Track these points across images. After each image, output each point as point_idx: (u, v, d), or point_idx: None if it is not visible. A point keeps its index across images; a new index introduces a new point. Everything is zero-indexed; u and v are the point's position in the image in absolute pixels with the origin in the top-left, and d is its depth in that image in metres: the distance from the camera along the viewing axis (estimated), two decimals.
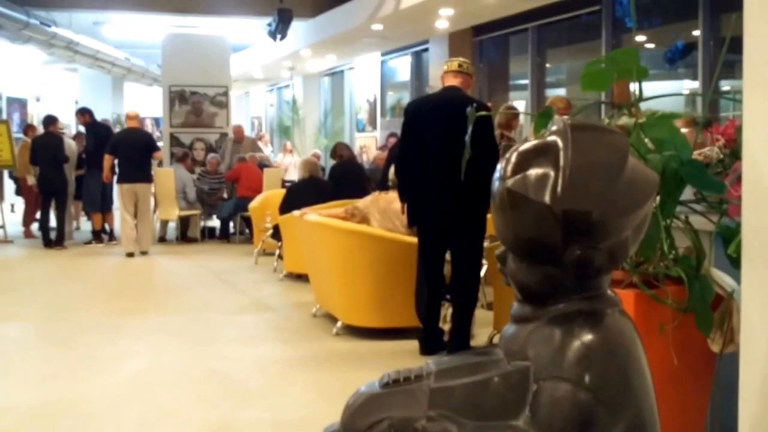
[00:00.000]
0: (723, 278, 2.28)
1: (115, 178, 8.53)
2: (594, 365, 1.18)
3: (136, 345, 4.69)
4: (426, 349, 4.17)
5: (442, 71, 4.30)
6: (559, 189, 1.19)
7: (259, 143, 13.58)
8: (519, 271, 1.28)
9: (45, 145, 8.91)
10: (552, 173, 1.21)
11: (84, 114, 9.37)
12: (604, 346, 1.20)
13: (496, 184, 1.27)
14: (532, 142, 1.29)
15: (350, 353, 4.39)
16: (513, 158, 1.26)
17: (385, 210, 4.87)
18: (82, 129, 9.98)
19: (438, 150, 3.95)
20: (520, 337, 1.27)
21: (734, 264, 2.03)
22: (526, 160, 1.25)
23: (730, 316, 2.18)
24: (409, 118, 4.24)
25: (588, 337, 1.20)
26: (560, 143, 1.23)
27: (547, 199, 1.19)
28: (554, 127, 1.29)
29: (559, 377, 1.18)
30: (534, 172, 1.22)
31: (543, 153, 1.24)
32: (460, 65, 4.21)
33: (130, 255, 8.15)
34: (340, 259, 4.70)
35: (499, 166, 1.28)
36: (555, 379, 1.19)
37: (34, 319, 5.44)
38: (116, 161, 8.33)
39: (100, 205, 9.09)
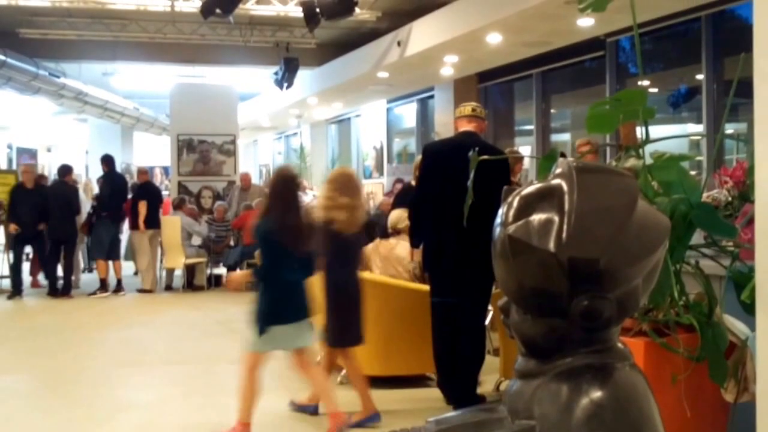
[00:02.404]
0: (736, 325, 2.26)
1: (127, 224, 9.25)
2: (604, 424, 1.11)
3: (138, 396, 4.64)
4: (452, 400, 4.05)
5: (455, 115, 4.32)
6: (564, 235, 1.12)
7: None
8: (523, 324, 1.21)
9: (58, 194, 8.99)
10: (556, 218, 1.14)
11: (103, 162, 9.47)
12: (615, 404, 1.13)
13: (497, 231, 1.20)
14: (535, 186, 1.21)
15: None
16: (515, 203, 1.19)
17: (386, 257, 4.82)
18: (92, 177, 10.10)
19: (455, 195, 3.91)
20: (525, 394, 1.19)
21: (748, 310, 1.98)
22: (529, 205, 1.18)
23: (744, 364, 2.14)
24: (427, 161, 4.23)
25: (597, 393, 1.13)
26: (565, 186, 1.16)
27: (551, 246, 1.12)
28: (558, 170, 1.21)
29: None
30: (537, 217, 1.16)
31: (547, 197, 1.18)
32: (473, 109, 4.23)
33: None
34: None
35: (500, 211, 1.21)
36: None
37: (38, 369, 5.39)
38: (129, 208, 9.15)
39: (107, 252, 9.09)
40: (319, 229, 3.63)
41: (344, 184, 3.78)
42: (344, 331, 3.85)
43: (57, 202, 8.86)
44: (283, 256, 3.49)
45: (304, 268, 3.57)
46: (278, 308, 3.50)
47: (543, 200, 1.17)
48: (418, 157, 5.69)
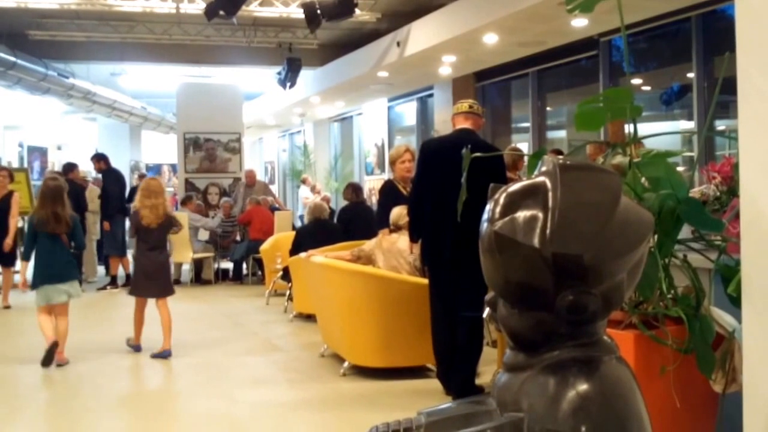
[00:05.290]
0: (723, 317, 2.25)
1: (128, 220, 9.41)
2: (590, 417, 1.12)
3: (142, 388, 4.69)
4: (451, 391, 4.14)
5: (453, 112, 4.37)
6: (548, 231, 1.13)
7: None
8: (510, 318, 1.22)
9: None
10: (541, 215, 1.15)
11: (99, 160, 9.56)
12: (601, 397, 1.14)
13: (484, 227, 1.21)
14: (520, 183, 1.23)
15: (357, 394, 4.37)
16: (501, 200, 1.20)
17: (389, 249, 4.95)
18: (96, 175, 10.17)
19: (452, 191, 3.98)
20: (513, 387, 1.21)
21: (734, 302, 1.99)
22: (515, 202, 1.19)
23: (731, 355, 2.14)
24: (425, 158, 4.30)
25: (583, 386, 1.14)
26: (549, 184, 1.17)
27: (536, 242, 1.13)
28: (543, 167, 1.22)
29: (554, 430, 1.12)
30: (522, 214, 1.17)
31: (531, 194, 1.18)
32: (470, 106, 4.28)
33: None
34: (345, 299, 4.74)
35: (487, 208, 1.22)
36: None
37: (39, 361, 5.44)
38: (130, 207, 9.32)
39: (121, 247, 9.21)
40: (132, 220, 5.47)
41: (147, 190, 5.45)
42: (138, 285, 5.53)
43: None
44: (41, 237, 5.07)
45: (58, 244, 5.11)
46: (41, 274, 5.08)
47: (528, 197, 1.18)
48: (393, 151, 5.78)
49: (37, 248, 5.13)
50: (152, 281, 5.45)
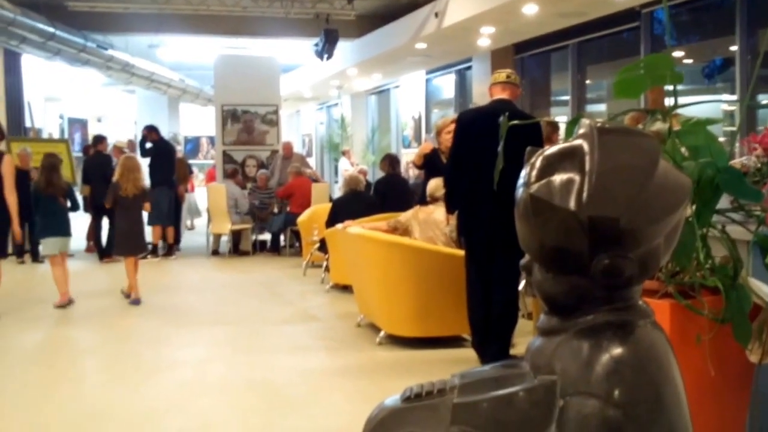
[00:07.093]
0: (761, 288, 2.20)
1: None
2: (624, 380, 1.12)
3: (183, 355, 4.78)
4: (486, 361, 4.19)
5: (490, 82, 4.35)
6: (584, 195, 1.11)
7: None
8: (545, 282, 1.21)
9: (95, 164, 9.36)
10: (577, 178, 1.13)
11: (152, 131, 9.83)
12: (635, 360, 1.14)
13: (519, 191, 1.20)
14: (557, 146, 1.20)
15: (392, 362, 4.44)
16: (537, 163, 1.19)
17: (425, 221, 4.99)
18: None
19: (489, 162, 3.98)
20: (547, 351, 1.21)
21: None
22: (551, 165, 1.17)
23: None
24: (461, 129, 4.29)
25: (617, 350, 1.14)
26: (586, 147, 1.15)
27: (572, 205, 1.11)
28: (581, 130, 1.19)
29: (587, 393, 1.12)
30: (559, 177, 1.15)
31: (568, 157, 1.16)
32: (508, 76, 4.26)
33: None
34: (381, 270, 4.79)
35: (523, 172, 1.21)
36: (582, 395, 1.12)
37: (84, 328, 5.61)
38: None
39: (165, 217, 9.41)
40: (112, 190, 6.58)
41: (128, 167, 6.56)
42: (118, 244, 6.67)
43: (94, 171, 9.24)
44: (42, 199, 6.36)
45: (56, 205, 6.38)
46: (43, 227, 6.41)
47: (564, 160, 1.17)
48: (439, 121, 5.78)
49: (39, 208, 6.41)
50: (128, 241, 6.56)
